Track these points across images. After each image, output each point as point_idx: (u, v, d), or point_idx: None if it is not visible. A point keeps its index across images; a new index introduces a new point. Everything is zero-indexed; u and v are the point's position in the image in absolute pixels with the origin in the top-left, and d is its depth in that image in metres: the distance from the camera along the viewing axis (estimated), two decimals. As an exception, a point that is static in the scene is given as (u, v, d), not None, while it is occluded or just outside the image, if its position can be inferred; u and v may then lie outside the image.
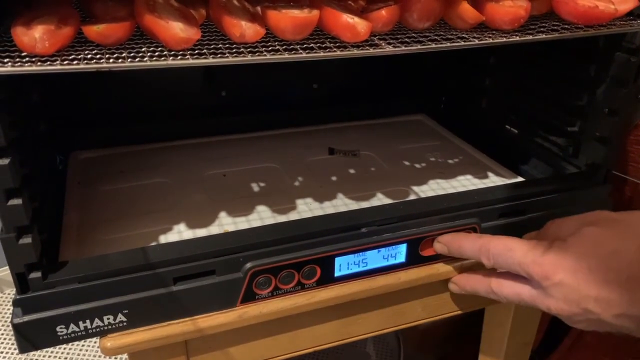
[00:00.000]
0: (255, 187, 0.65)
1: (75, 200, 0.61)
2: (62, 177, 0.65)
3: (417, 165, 0.72)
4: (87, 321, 0.44)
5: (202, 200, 0.62)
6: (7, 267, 0.40)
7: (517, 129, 0.73)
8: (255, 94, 0.81)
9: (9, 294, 1.42)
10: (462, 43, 0.43)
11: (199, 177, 0.67)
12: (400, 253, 0.52)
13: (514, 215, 0.57)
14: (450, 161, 0.74)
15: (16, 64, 0.33)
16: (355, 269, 0.51)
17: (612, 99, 0.57)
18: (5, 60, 0.34)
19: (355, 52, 0.40)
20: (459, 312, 0.61)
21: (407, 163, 0.73)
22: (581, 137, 0.62)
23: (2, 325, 1.28)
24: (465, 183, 0.67)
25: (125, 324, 0.45)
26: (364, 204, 0.61)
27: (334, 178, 0.68)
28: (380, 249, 0.52)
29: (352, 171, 0.70)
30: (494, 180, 0.68)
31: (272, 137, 0.80)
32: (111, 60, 0.35)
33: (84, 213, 0.58)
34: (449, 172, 0.70)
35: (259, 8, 0.43)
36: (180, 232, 0.55)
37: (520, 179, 0.68)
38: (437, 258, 0.55)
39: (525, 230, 0.58)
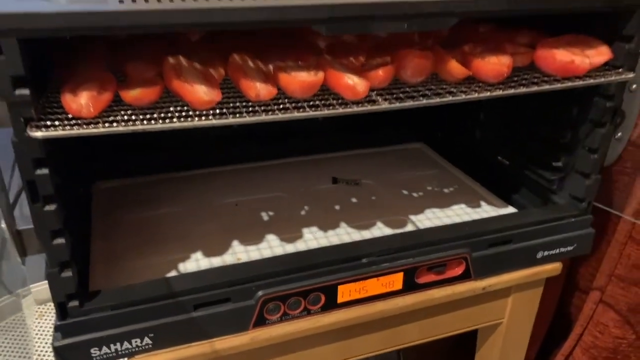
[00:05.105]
0: (264, 216, 0.71)
1: (99, 230, 0.66)
2: (87, 207, 0.70)
3: (415, 195, 0.77)
4: (118, 344, 0.49)
5: (216, 229, 0.67)
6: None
7: (508, 161, 0.78)
8: (263, 125, 0.87)
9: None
10: (450, 98, 0.49)
11: (213, 206, 0.72)
12: (397, 281, 0.58)
13: (501, 245, 0.62)
14: (446, 190, 0.79)
15: (66, 128, 0.39)
16: (356, 296, 0.56)
17: (592, 138, 0.62)
18: (57, 124, 0.40)
19: (355, 109, 0.46)
20: (453, 333, 0.66)
21: (405, 192, 0.78)
22: (565, 171, 0.67)
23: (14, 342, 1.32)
24: (459, 212, 0.72)
25: (150, 346, 0.50)
26: (365, 233, 0.67)
27: (337, 207, 0.73)
28: (379, 278, 0.57)
29: (354, 200, 0.76)
30: (486, 209, 0.73)
31: (280, 165, 0.85)
32: (145, 122, 0.41)
33: (108, 242, 0.64)
34: (445, 201, 0.75)
35: (271, 66, 0.49)
36: (197, 260, 0.61)
37: (511, 208, 0.73)
38: (431, 285, 0.60)
39: (514, 258, 0.63)
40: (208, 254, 0.62)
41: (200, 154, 0.84)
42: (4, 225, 0.42)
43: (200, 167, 0.82)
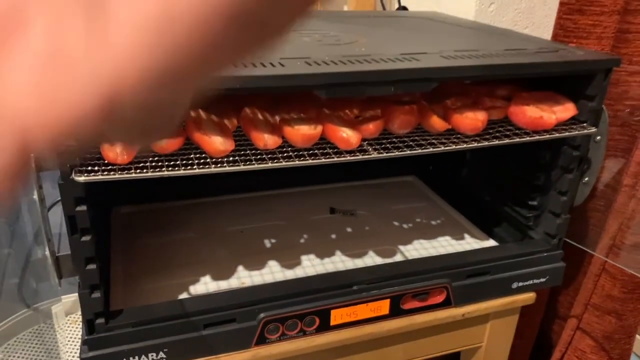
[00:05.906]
0: (267, 243, 0.78)
1: (118, 253, 0.73)
2: (107, 231, 0.78)
3: (405, 226, 0.85)
4: (136, 357, 0.56)
5: (224, 254, 0.75)
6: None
7: (491, 197, 0.86)
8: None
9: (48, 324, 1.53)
10: (431, 149, 0.56)
11: (221, 233, 0.80)
12: (384, 307, 0.65)
13: (479, 276, 0.69)
14: (433, 222, 0.86)
15: (104, 173, 0.47)
16: (347, 320, 0.63)
17: (561, 182, 0.69)
18: (96, 169, 0.47)
19: (349, 158, 0.54)
20: (435, 354, 0.73)
21: (396, 223, 0.85)
22: (540, 210, 0.75)
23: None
24: (444, 243, 0.80)
25: (164, 360, 0.57)
26: (358, 261, 0.74)
27: (333, 236, 0.81)
28: (368, 303, 0.64)
29: (349, 230, 0.83)
30: (468, 241, 0.80)
31: (283, 195, 0.93)
32: (170, 169, 0.49)
33: (126, 265, 0.71)
34: (431, 233, 0.82)
35: (277, 118, 0.57)
36: (206, 284, 0.68)
37: (492, 241, 0.80)
38: (415, 311, 0.67)
39: (491, 288, 0.70)
40: (216, 278, 0.69)
41: (210, 183, 0.91)
42: (47, 252, 0.49)
43: (210, 195, 0.90)
